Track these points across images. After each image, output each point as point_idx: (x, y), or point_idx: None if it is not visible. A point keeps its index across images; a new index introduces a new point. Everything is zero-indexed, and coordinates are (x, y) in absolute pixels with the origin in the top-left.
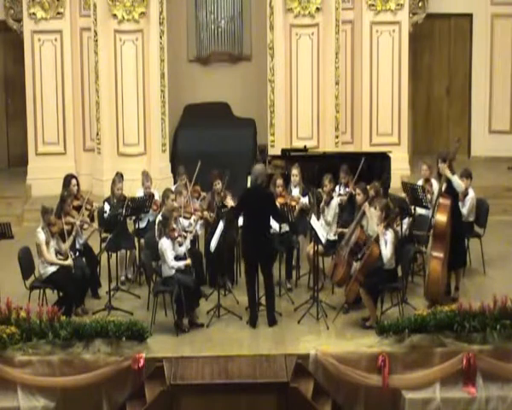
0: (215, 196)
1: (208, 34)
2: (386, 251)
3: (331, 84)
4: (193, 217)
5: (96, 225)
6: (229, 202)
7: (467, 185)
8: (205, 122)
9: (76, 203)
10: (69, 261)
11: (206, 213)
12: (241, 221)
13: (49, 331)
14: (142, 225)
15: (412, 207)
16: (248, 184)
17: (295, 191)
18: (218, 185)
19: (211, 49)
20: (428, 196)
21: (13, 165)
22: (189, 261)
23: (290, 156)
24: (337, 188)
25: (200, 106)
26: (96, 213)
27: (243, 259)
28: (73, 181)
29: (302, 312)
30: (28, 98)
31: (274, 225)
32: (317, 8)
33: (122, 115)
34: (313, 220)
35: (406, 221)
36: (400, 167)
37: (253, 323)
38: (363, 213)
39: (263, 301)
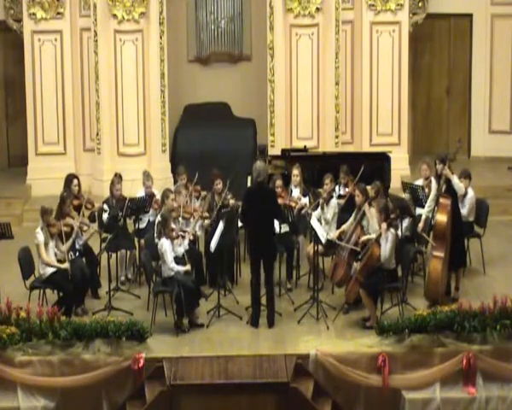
0: (215, 195)
1: (208, 34)
2: (386, 250)
3: (331, 84)
4: (192, 218)
5: (95, 226)
6: (232, 202)
7: (466, 186)
8: (205, 122)
9: (77, 203)
10: (66, 265)
11: (206, 213)
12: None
13: (49, 331)
14: (142, 225)
15: (412, 208)
16: (249, 184)
17: (296, 191)
18: (219, 185)
19: (211, 49)
20: (427, 190)
21: (13, 165)
22: (188, 267)
23: (290, 156)
24: (337, 188)
25: (200, 106)
26: (96, 214)
27: (249, 256)
28: (75, 181)
29: (302, 312)
30: (28, 98)
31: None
32: (317, 9)
33: (122, 115)
34: (313, 220)
35: (406, 221)
36: (400, 167)
37: (255, 322)
38: (364, 213)
39: (263, 300)
